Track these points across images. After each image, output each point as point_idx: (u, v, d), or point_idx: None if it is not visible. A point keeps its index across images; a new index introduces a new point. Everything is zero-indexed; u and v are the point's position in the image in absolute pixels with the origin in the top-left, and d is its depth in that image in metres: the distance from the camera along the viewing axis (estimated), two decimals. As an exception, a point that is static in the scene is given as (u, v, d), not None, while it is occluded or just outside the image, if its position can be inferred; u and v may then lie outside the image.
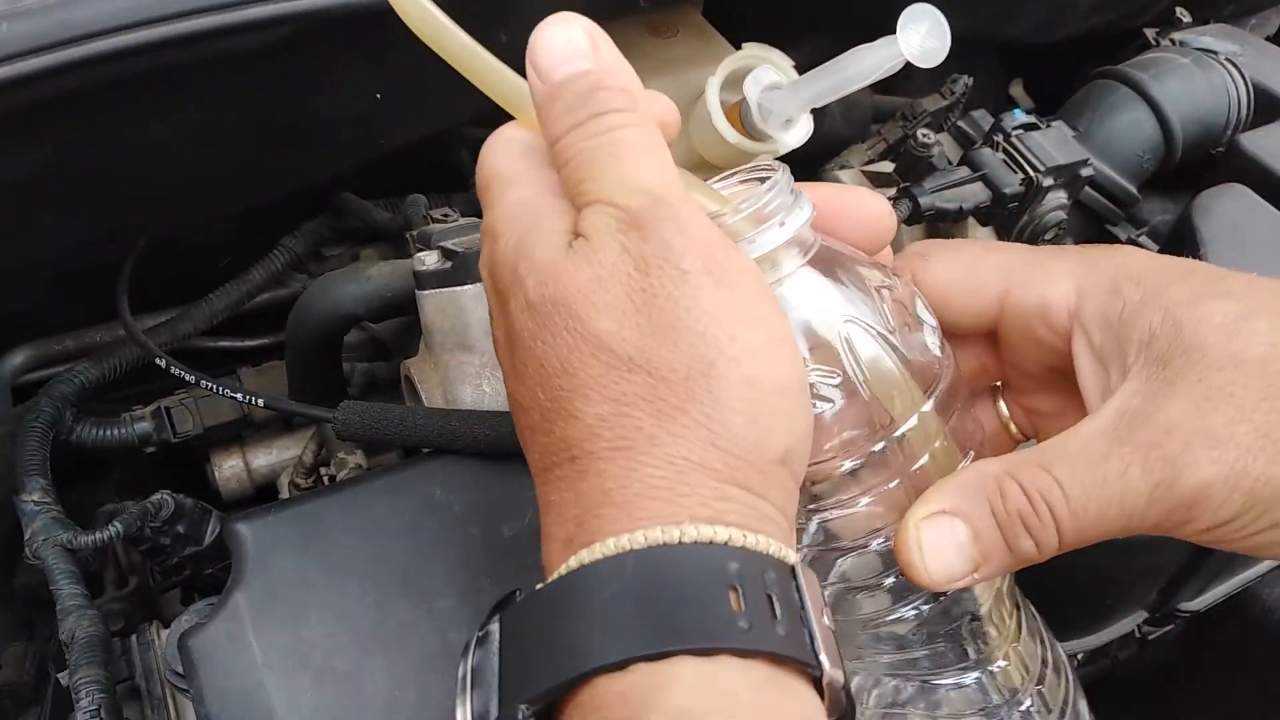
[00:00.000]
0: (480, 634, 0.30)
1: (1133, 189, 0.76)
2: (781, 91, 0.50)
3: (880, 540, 0.36)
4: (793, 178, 0.35)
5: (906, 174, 0.68)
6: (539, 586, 0.29)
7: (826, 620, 0.28)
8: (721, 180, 0.38)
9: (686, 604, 0.26)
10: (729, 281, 0.30)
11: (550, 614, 0.28)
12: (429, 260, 0.58)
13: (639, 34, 0.70)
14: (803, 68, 0.63)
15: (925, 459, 0.36)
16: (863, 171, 0.72)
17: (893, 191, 0.64)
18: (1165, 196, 0.81)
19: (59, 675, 0.57)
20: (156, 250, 0.70)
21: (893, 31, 0.38)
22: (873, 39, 0.42)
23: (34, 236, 0.61)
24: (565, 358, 0.29)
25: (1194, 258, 0.67)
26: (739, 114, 0.56)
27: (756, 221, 0.33)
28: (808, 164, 0.78)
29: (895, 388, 0.35)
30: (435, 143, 0.79)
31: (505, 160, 0.34)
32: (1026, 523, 0.34)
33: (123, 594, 0.74)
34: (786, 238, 0.34)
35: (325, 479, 0.70)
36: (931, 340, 0.37)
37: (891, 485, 0.35)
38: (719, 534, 0.27)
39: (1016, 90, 0.92)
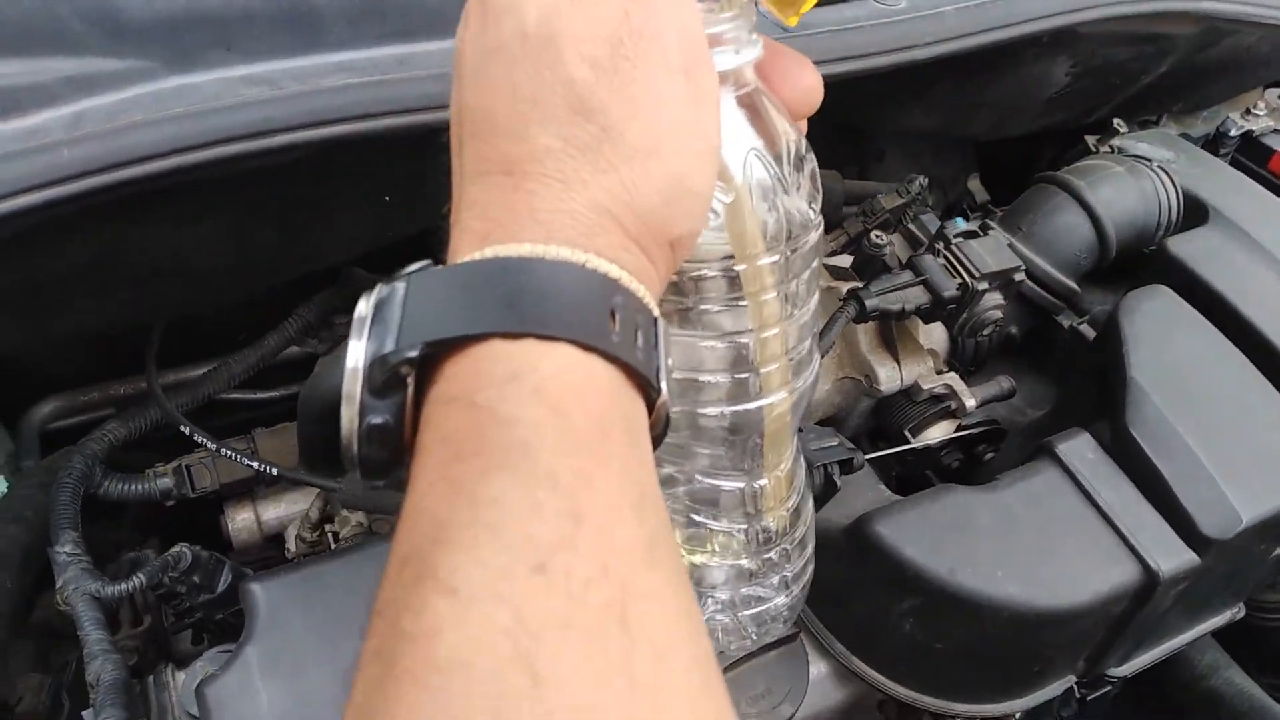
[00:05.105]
0: (385, 286, 0.31)
1: (1072, 284, 0.83)
2: None
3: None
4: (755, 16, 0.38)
5: (861, 269, 0.75)
6: (447, 264, 0.32)
7: (670, 363, 0.34)
8: None
9: (577, 308, 0.30)
10: (697, 89, 0.33)
11: (461, 283, 0.31)
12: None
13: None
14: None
15: (764, 297, 0.41)
16: (824, 265, 0.79)
17: (844, 290, 0.71)
18: (1105, 288, 0.88)
19: (84, 713, 0.63)
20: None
21: None
22: None
23: (71, 315, 0.68)
24: (539, 89, 0.32)
25: (1118, 353, 0.73)
26: None
27: (715, 42, 0.36)
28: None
29: (759, 230, 0.39)
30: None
31: None
32: None
33: (137, 632, 0.79)
34: (735, 66, 0.37)
35: (329, 534, 0.77)
36: (814, 207, 0.42)
37: (736, 302, 0.41)
38: (613, 271, 0.31)
39: (974, 184, 0.99)
